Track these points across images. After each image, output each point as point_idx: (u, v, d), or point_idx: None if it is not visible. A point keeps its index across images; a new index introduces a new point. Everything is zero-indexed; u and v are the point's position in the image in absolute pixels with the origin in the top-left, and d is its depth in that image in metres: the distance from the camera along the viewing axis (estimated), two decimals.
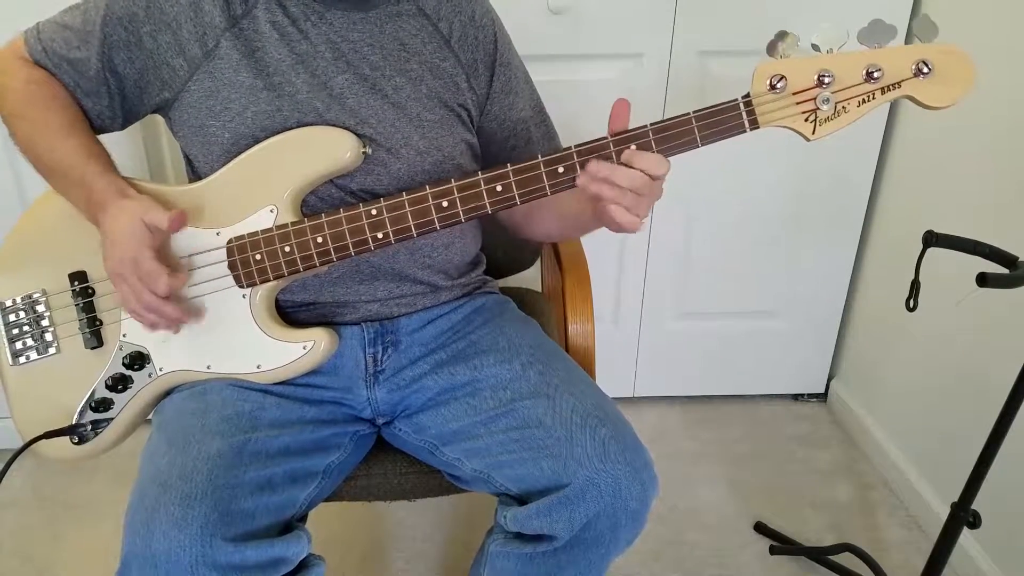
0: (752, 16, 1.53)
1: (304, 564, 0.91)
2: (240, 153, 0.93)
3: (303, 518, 0.95)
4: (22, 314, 0.98)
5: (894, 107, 1.62)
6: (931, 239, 1.00)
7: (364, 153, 0.93)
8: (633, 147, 0.84)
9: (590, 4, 1.52)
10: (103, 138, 0.99)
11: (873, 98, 0.82)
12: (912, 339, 1.61)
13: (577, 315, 1.17)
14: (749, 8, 1.53)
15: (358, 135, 0.93)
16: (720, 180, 1.69)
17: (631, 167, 0.83)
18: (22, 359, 0.99)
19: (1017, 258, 0.98)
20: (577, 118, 1.45)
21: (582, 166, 0.85)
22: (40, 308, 0.98)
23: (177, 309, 0.91)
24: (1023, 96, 1.28)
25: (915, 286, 1.02)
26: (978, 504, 1.11)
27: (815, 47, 0.82)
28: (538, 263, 1.45)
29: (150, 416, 1.01)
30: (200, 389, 0.96)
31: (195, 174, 1.00)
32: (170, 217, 0.88)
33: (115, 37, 0.92)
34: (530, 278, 1.43)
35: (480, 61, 1.01)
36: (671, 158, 0.85)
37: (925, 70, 0.80)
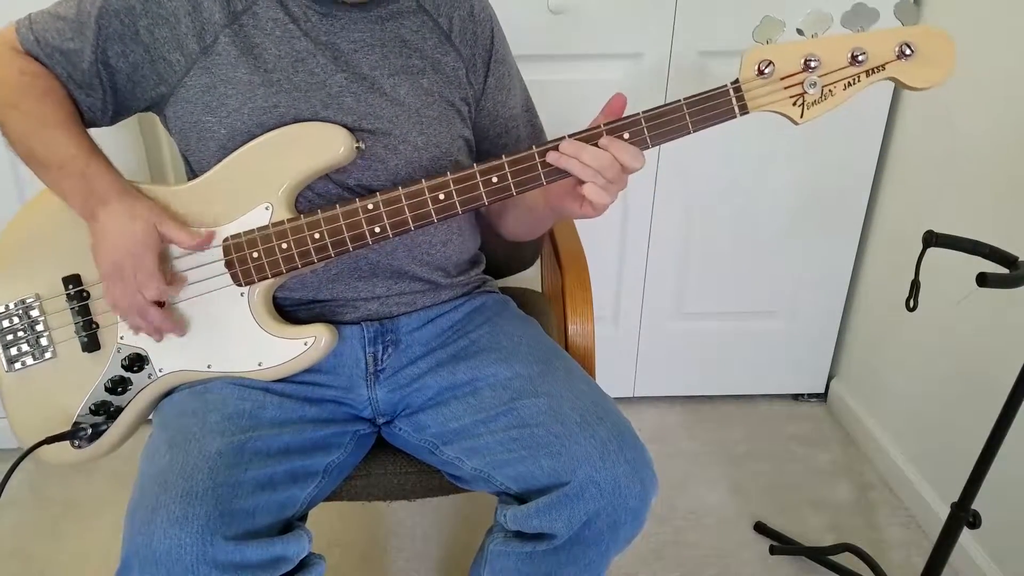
0: (752, 16, 1.52)
1: (304, 563, 0.91)
2: (236, 149, 0.93)
3: (303, 517, 0.95)
4: (16, 319, 0.97)
5: (894, 105, 1.62)
6: (931, 239, 1.00)
7: (357, 148, 0.93)
8: (626, 135, 0.85)
9: (590, 4, 1.52)
10: (98, 138, 0.98)
11: (858, 81, 0.83)
12: (912, 339, 1.62)
13: (577, 315, 1.17)
14: (749, 8, 1.53)
15: (354, 131, 0.93)
16: (720, 180, 1.69)
17: (603, 150, 0.84)
18: (18, 365, 0.98)
19: (1017, 258, 0.98)
20: (577, 118, 1.45)
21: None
22: (34, 313, 0.97)
23: (161, 316, 0.92)
24: (1023, 95, 1.28)
25: (915, 286, 1.02)
26: (978, 504, 1.11)
27: (800, 32, 0.83)
28: (538, 263, 1.45)
29: (150, 416, 1.01)
30: (200, 388, 0.97)
31: (194, 172, 1.00)
32: (196, 242, 0.91)
33: (110, 29, 0.92)
34: (530, 278, 1.43)
35: (478, 56, 1.01)
36: (664, 146, 0.86)
37: (908, 52, 0.81)
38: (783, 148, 1.65)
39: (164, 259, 0.92)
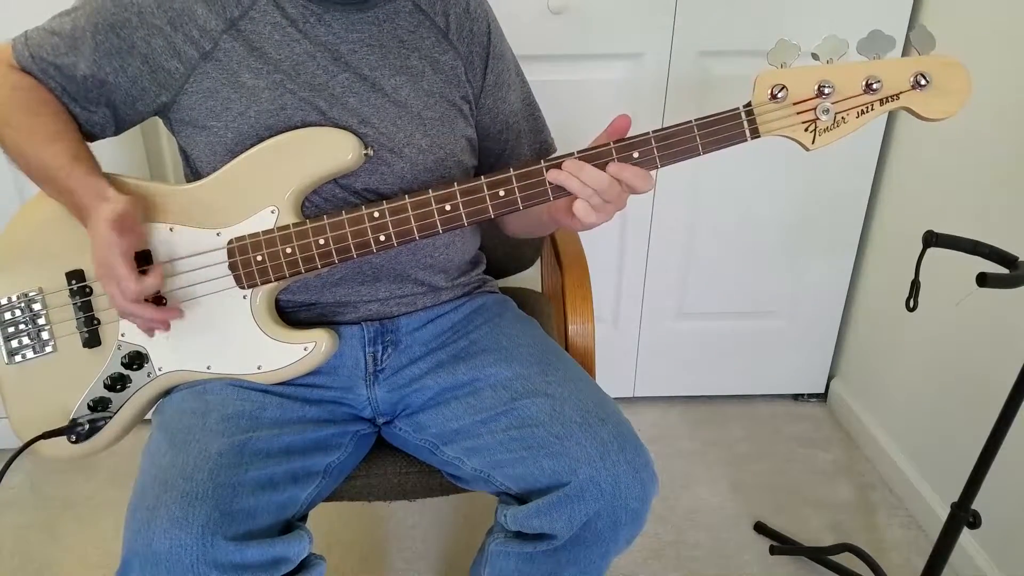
0: (752, 16, 1.53)
1: (305, 564, 0.91)
2: (243, 152, 0.93)
3: (304, 518, 0.95)
4: (18, 312, 0.97)
5: None
6: (931, 239, 1.00)
7: (365, 154, 0.93)
8: (636, 154, 0.85)
9: (590, 4, 1.52)
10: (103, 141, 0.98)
11: (872, 109, 0.82)
12: (912, 339, 1.62)
13: (577, 315, 1.17)
14: (749, 8, 1.53)
15: (360, 135, 0.93)
16: (720, 180, 1.69)
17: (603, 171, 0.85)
18: (18, 358, 0.98)
19: (1017, 258, 0.99)
20: (577, 118, 1.45)
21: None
22: (36, 307, 0.97)
23: (151, 311, 0.90)
24: (1022, 97, 1.28)
25: (915, 286, 1.02)
26: (978, 504, 1.11)
27: (815, 56, 0.82)
28: (538, 263, 1.45)
29: (149, 415, 1.01)
30: (200, 388, 0.97)
31: (194, 173, 1.00)
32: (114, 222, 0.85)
33: (107, 45, 0.91)
34: (530, 278, 1.43)
35: (475, 54, 1.01)
36: (671, 167, 0.86)
37: (923, 82, 0.81)
38: (784, 148, 1.64)
39: (142, 259, 0.91)
